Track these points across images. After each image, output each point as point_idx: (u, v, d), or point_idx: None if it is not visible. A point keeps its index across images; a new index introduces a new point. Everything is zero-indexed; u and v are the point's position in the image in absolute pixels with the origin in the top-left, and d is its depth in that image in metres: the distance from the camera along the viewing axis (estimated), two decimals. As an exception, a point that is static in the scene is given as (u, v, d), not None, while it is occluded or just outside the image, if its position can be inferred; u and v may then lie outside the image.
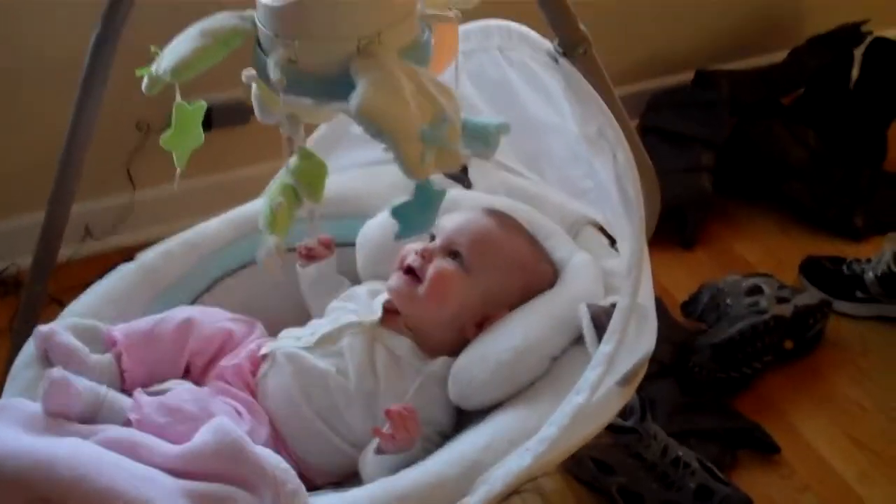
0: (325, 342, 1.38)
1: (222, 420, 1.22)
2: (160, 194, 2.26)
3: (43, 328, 1.36)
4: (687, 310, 2.13)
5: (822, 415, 1.94)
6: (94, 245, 2.26)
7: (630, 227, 1.25)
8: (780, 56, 2.67)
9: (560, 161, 1.47)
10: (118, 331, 1.39)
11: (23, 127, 2.14)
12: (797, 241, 2.37)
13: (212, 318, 1.44)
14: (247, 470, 1.18)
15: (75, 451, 1.16)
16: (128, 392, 1.33)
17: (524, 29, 1.39)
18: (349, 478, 1.36)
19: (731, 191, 2.47)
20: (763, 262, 2.30)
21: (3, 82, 2.10)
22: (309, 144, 1.65)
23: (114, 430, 1.23)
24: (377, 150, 1.52)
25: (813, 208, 2.42)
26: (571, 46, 1.30)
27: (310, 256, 1.54)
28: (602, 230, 1.50)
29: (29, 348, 1.37)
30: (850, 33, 2.61)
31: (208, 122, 2.19)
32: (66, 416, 1.25)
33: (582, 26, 1.30)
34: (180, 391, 1.33)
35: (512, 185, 1.57)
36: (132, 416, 1.27)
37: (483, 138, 1.16)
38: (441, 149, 1.05)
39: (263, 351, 1.39)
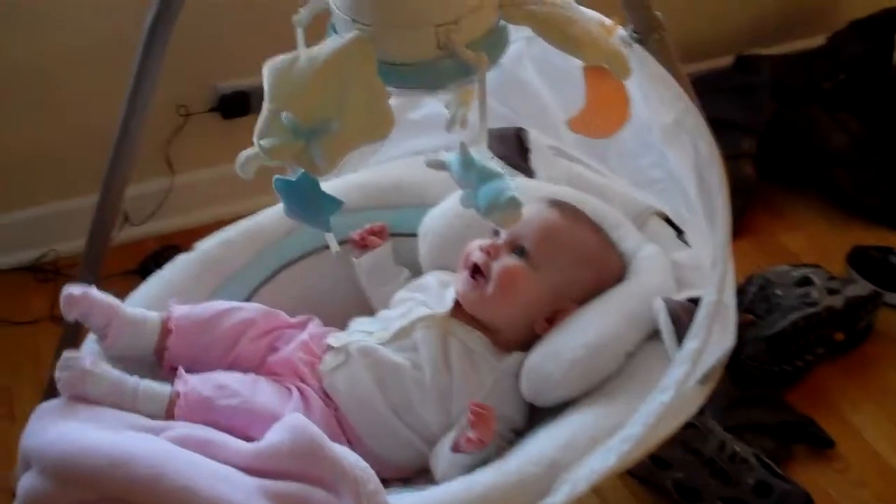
0: (400, 336, 1.35)
1: (297, 417, 1.20)
2: (199, 179, 2.23)
3: (73, 289, 1.32)
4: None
5: (875, 408, 1.91)
6: (132, 231, 2.23)
7: (712, 220, 1.21)
8: (820, 40, 2.63)
9: (627, 150, 1.43)
10: (178, 308, 1.36)
11: (63, 112, 2.11)
12: (840, 230, 2.33)
13: (270, 322, 1.41)
14: (325, 469, 1.15)
15: (152, 449, 1.13)
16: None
17: (596, 14, 1.35)
18: (418, 473, 1.34)
19: (773, 177, 2.43)
20: (807, 251, 2.27)
21: (45, 66, 2.07)
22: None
23: (185, 427, 1.21)
24: (436, 137, 1.53)
25: (854, 195, 2.38)
26: (647, 32, 1.26)
27: (363, 245, 1.51)
28: (668, 221, 1.46)
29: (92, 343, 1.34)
30: (892, 17, 2.57)
31: (247, 107, 2.19)
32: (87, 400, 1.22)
33: (658, 12, 1.26)
34: (226, 373, 1.31)
35: (574, 173, 1.54)
36: (180, 389, 1.24)
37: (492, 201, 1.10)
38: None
39: (333, 342, 1.36)
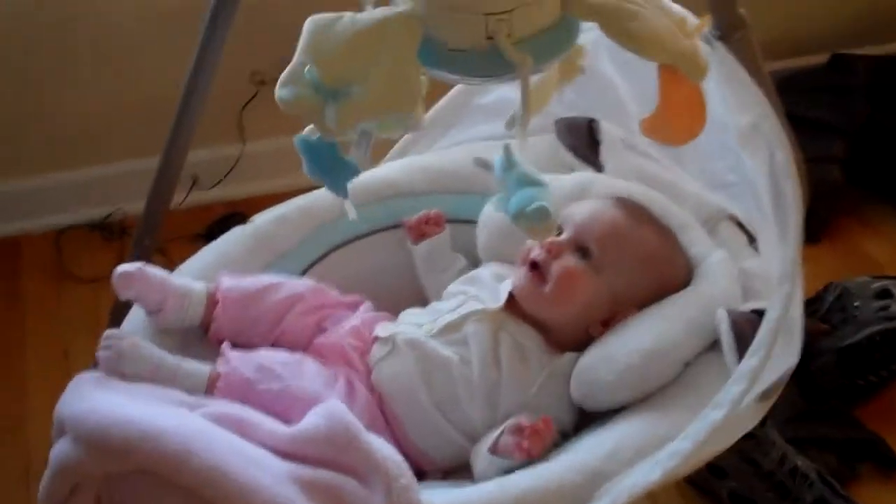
0: (449, 330, 1.31)
1: (335, 404, 1.17)
2: (270, 148, 2.21)
3: (127, 267, 1.30)
4: (810, 308, 2.02)
5: (949, 431, 1.83)
6: (200, 195, 2.23)
7: (783, 232, 1.15)
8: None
9: (703, 151, 1.37)
10: (227, 280, 1.35)
11: (138, 73, 2.11)
12: (930, 242, 2.24)
13: (319, 298, 1.38)
14: (359, 459, 1.12)
15: (184, 424, 1.12)
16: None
17: (673, 5, 1.29)
18: (459, 468, 1.30)
19: (861, 182, 2.32)
20: (891, 261, 2.17)
21: (113, 28, 2.06)
22: (428, 116, 1.59)
23: (221, 405, 1.19)
24: (501, 124, 1.48)
25: (946, 207, 2.29)
26: (729, 30, 1.20)
27: (420, 234, 1.48)
28: (741, 226, 1.40)
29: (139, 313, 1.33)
30: None
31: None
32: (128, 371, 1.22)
33: (741, 10, 1.20)
34: (271, 352, 1.29)
35: (645, 170, 1.48)
36: (221, 370, 1.23)
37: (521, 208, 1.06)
38: None
39: (381, 333, 1.33)
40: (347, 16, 1.03)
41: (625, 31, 1.05)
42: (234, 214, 2.08)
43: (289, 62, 1.19)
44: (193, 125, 1.54)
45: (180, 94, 1.53)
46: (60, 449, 1.13)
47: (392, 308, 1.42)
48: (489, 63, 1.03)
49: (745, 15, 1.21)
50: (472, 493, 1.14)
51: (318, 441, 1.14)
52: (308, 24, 1.04)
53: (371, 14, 1.03)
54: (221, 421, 1.16)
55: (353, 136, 1.09)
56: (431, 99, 1.60)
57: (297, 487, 1.10)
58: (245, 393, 1.22)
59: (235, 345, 1.32)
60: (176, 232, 2.06)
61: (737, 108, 1.21)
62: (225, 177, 2.23)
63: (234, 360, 1.24)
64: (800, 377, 1.83)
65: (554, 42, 1.07)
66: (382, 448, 1.13)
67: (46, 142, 2.19)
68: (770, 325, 1.11)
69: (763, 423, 1.61)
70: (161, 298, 1.30)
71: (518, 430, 1.20)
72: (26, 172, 2.20)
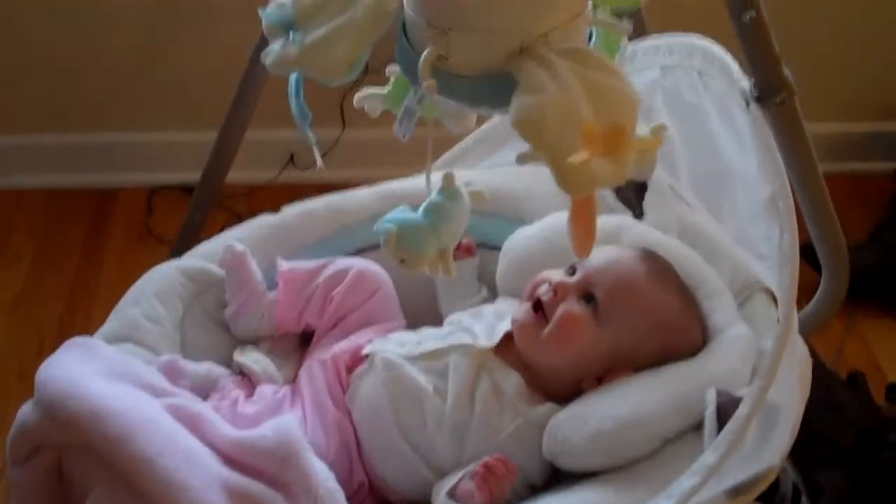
0: (431, 357, 1.26)
1: (290, 420, 1.15)
2: (368, 136, 2.20)
3: (237, 247, 1.36)
4: (893, 394, 1.86)
5: None
6: (294, 174, 2.25)
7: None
8: None
9: (742, 214, 1.27)
10: (286, 268, 1.37)
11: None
12: None
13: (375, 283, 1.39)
14: (294, 478, 1.10)
15: (133, 409, 1.12)
16: None
17: (727, 58, 1.19)
18: (425, 502, 1.25)
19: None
20: None
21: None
22: (477, 135, 1.54)
23: (185, 399, 1.19)
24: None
25: None
26: (768, 92, 1.10)
27: None
28: (777, 302, 1.29)
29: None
30: None
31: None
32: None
33: (786, 71, 1.10)
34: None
35: (688, 224, 1.38)
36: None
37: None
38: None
39: (366, 350, 1.30)
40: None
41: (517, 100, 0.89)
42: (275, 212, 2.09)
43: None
44: (254, 103, 1.54)
45: (244, 70, 1.53)
46: (24, 410, 1.16)
47: (408, 324, 1.39)
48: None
49: (790, 77, 1.10)
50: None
51: (259, 451, 1.13)
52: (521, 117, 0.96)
53: None
54: (178, 413, 1.17)
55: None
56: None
57: (224, 494, 1.09)
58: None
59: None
60: (263, 207, 2.07)
61: (761, 176, 1.11)
62: (321, 158, 2.23)
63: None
64: (857, 464, 1.71)
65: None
66: (320, 472, 1.11)
67: (163, 99, 2.25)
68: (737, 422, 1.02)
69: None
70: (239, 290, 1.35)
71: (478, 476, 1.15)
72: (138, 127, 2.27)
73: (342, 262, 1.39)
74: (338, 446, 1.24)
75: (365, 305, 1.37)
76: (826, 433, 1.71)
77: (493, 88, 0.91)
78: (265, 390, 1.27)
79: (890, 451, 1.70)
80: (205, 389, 1.27)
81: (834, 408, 1.74)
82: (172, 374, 1.25)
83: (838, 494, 1.67)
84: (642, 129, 0.99)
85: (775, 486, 1.40)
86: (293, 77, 1.06)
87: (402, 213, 1.03)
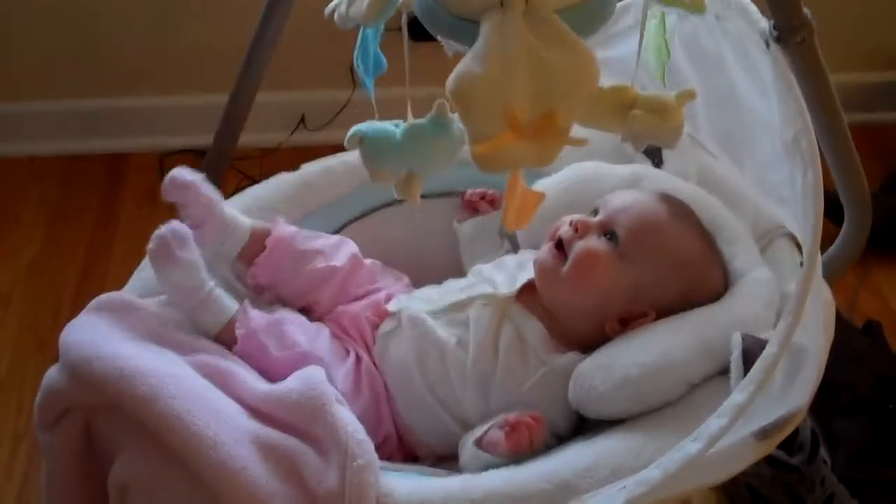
0: (453, 310, 1.26)
1: (315, 371, 1.15)
2: (379, 96, 2.19)
3: (184, 173, 1.30)
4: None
5: None
6: (305, 136, 2.24)
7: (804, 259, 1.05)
8: None
9: (763, 159, 1.26)
10: (283, 228, 1.34)
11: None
12: None
13: (362, 279, 1.36)
14: (322, 430, 1.10)
15: (160, 367, 1.13)
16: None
17: (745, 1, 1.18)
18: (452, 455, 1.24)
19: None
20: None
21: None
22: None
23: (211, 355, 1.19)
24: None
25: None
26: (788, 32, 1.09)
27: (473, 209, 1.43)
28: (799, 246, 1.29)
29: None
30: None
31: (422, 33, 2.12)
32: (165, 283, 1.23)
33: (806, 10, 1.09)
34: (292, 317, 1.28)
35: (708, 171, 1.38)
36: (238, 331, 1.22)
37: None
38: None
39: (391, 307, 1.30)
40: (476, 55, 0.90)
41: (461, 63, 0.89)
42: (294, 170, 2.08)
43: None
44: (265, 64, 1.53)
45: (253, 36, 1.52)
46: (50, 374, 1.16)
47: (431, 278, 1.39)
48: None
49: (809, 16, 1.09)
50: (434, 487, 1.09)
51: (287, 404, 1.13)
52: (454, 86, 0.90)
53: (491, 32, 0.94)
54: (204, 369, 1.17)
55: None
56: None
57: (254, 448, 1.09)
58: (260, 357, 1.22)
59: (263, 289, 1.33)
60: (276, 169, 2.07)
61: (783, 118, 1.10)
62: (332, 120, 2.22)
63: (254, 321, 1.24)
64: (876, 412, 1.71)
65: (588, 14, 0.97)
66: (348, 424, 1.11)
67: (173, 63, 2.24)
68: (765, 361, 1.01)
69: (811, 458, 1.51)
70: (204, 216, 1.29)
71: (507, 424, 1.15)
72: (149, 91, 2.27)
73: (334, 261, 1.35)
74: (369, 397, 1.24)
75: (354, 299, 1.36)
76: (844, 382, 1.71)
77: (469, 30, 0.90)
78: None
79: (905, 396, 1.71)
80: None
81: (851, 357, 1.75)
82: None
83: (856, 442, 1.68)
84: (668, 92, 1.00)
85: (794, 433, 1.41)
86: (370, 31, 1.04)
87: (382, 124, 1.02)
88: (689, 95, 1.00)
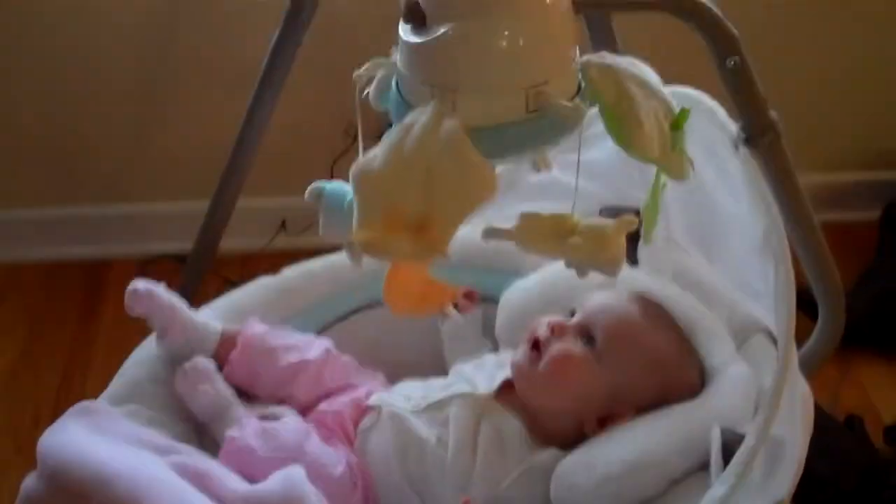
0: (433, 409, 1.27)
1: (296, 472, 1.15)
2: (358, 202, 2.23)
3: (140, 285, 1.33)
4: (892, 436, 1.87)
5: None
6: (287, 240, 2.26)
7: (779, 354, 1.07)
8: None
9: (736, 255, 1.29)
10: (254, 327, 1.36)
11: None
12: None
13: (336, 373, 1.37)
14: (301, 532, 1.10)
15: (139, 470, 1.12)
16: None
17: (713, 105, 1.22)
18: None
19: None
20: None
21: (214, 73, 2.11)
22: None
23: (189, 456, 1.19)
24: (549, 202, 1.43)
25: None
26: (756, 134, 1.13)
27: (453, 305, 1.44)
28: (776, 342, 1.30)
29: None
30: None
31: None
32: (190, 408, 1.28)
33: (773, 113, 1.13)
34: (287, 421, 1.28)
35: (683, 268, 1.39)
36: (230, 434, 1.23)
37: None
38: None
39: (372, 402, 1.31)
40: (387, 146, 0.92)
41: (623, 127, 0.98)
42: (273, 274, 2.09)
43: (383, 117, 1.22)
44: (245, 173, 1.56)
45: (234, 143, 1.56)
46: (27, 483, 1.15)
47: (410, 376, 1.39)
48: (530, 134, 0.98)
49: (776, 119, 1.13)
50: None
51: (269, 504, 1.12)
52: (355, 171, 0.94)
53: (406, 134, 0.92)
54: (185, 471, 1.16)
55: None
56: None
57: (234, 552, 1.08)
58: (248, 460, 1.21)
59: (243, 391, 1.34)
60: (256, 273, 2.08)
61: (754, 216, 1.13)
62: (313, 224, 2.24)
63: (248, 428, 1.25)
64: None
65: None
66: (327, 526, 1.11)
67: (153, 171, 2.28)
68: (743, 454, 1.02)
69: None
70: (167, 322, 1.32)
71: None
72: (130, 198, 2.29)
73: (308, 354, 1.36)
74: (360, 496, 1.24)
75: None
76: (827, 477, 1.71)
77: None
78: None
79: (891, 491, 1.71)
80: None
81: (834, 452, 1.75)
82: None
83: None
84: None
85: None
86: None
87: (343, 185, 1.04)
88: (628, 223, 1.01)
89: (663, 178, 1.04)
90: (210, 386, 1.29)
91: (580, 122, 0.95)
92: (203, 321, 1.35)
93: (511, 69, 0.93)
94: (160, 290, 1.34)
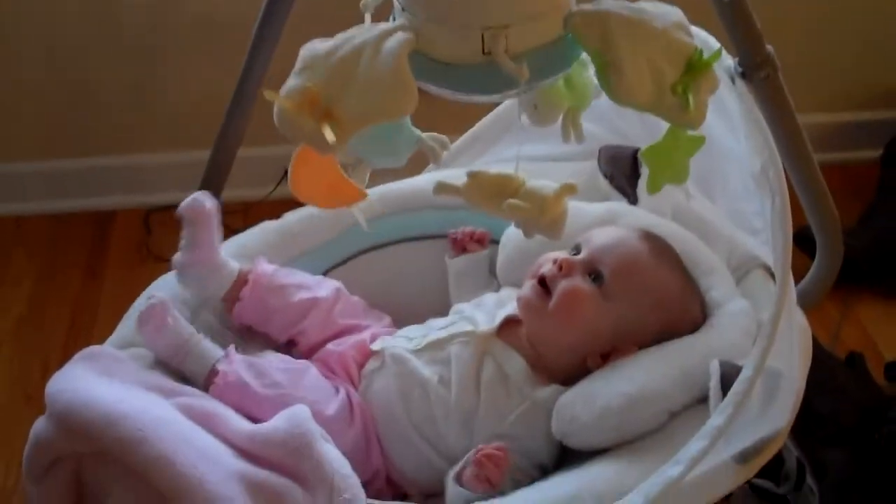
0: (434, 347, 1.28)
1: (301, 410, 1.16)
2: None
3: (207, 203, 1.34)
4: (892, 373, 1.89)
5: None
6: (288, 189, 2.25)
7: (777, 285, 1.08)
8: None
9: (734, 192, 1.30)
10: (264, 266, 1.36)
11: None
12: None
13: (346, 311, 1.38)
14: (308, 467, 1.11)
15: (145, 410, 1.13)
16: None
17: (710, 38, 1.22)
18: (441, 493, 1.25)
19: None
20: None
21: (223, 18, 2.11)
22: (472, 133, 1.57)
23: (195, 397, 1.20)
24: (546, 145, 1.44)
25: None
26: (752, 68, 1.13)
27: (462, 248, 1.46)
28: (774, 276, 1.31)
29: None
30: None
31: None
32: (153, 346, 1.27)
33: (769, 47, 1.13)
34: (274, 358, 1.29)
35: (681, 207, 1.41)
36: (220, 367, 1.24)
37: None
38: None
39: (375, 346, 1.32)
40: (340, 37, 1.01)
41: (606, 75, 0.98)
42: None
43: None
44: (244, 124, 1.56)
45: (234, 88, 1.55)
46: (37, 425, 1.17)
47: (413, 320, 1.41)
48: (484, 78, 1.01)
49: (772, 53, 1.13)
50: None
51: (273, 443, 1.14)
52: (302, 49, 1.02)
53: (363, 31, 1.01)
54: (190, 411, 1.18)
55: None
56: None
57: (241, 487, 1.10)
58: (240, 396, 1.23)
59: (253, 331, 1.36)
60: (258, 218, 2.09)
61: (751, 151, 1.14)
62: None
63: (236, 363, 1.25)
64: (860, 443, 1.73)
65: (553, 59, 1.02)
66: (334, 460, 1.12)
67: (156, 122, 2.28)
68: (741, 384, 1.04)
69: (798, 486, 1.52)
70: (203, 244, 1.33)
71: (477, 461, 1.17)
72: (133, 150, 2.30)
73: (319, 290, 1.38)
74: (361, 429, 1.26)
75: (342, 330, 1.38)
76: (827, 413, 1.73)
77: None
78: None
79: (891, 426, 1.72)
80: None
81: (834, 388, 1.76)
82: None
83: (842, 472, 1.69)
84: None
85: (780, 463, 1.43)
86: None
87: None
88: (569, 190, 1.02)
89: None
90: (171, 318, 1.27)
91: (524, 82, 0.97)
92: (226, 259, 1.35)
93: (467, 5, 0.95)
94: (216, 215, 1.34)
